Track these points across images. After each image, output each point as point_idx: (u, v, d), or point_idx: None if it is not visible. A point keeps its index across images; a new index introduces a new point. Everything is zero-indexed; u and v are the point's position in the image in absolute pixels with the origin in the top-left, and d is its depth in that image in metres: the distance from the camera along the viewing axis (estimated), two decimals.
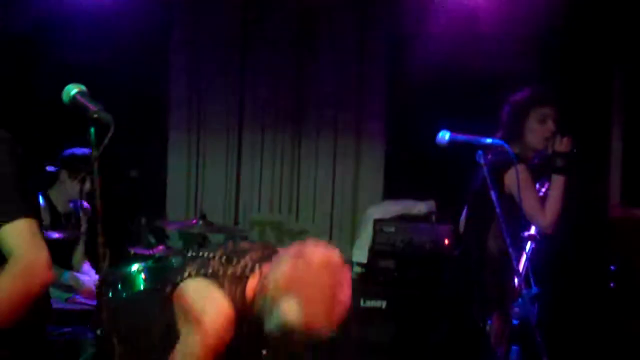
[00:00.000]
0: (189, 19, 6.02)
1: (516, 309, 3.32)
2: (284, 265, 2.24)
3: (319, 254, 2.26)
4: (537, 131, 3.66)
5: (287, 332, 2.19)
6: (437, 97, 5.41)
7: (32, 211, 2.11)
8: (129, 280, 4.20)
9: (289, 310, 2.16)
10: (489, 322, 3.49)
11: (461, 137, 3.05)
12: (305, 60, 5.98)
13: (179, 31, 6.06)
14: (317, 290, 2.18)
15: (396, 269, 5.04)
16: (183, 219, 5.44)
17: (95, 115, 1.99)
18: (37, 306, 2.11)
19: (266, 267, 2.31)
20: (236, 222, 6.00)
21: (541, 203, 3.54)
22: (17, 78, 5.43)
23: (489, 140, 3.04)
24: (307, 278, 2.19)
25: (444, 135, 3.03)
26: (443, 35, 5.17)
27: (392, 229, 5.12)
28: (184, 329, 2.24)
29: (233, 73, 6.04)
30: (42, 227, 2.16)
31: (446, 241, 5.01)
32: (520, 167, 3.45)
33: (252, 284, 2.31)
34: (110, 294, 4.19)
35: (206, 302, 2.24)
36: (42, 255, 2.05)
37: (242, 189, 6.06)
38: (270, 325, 2.21)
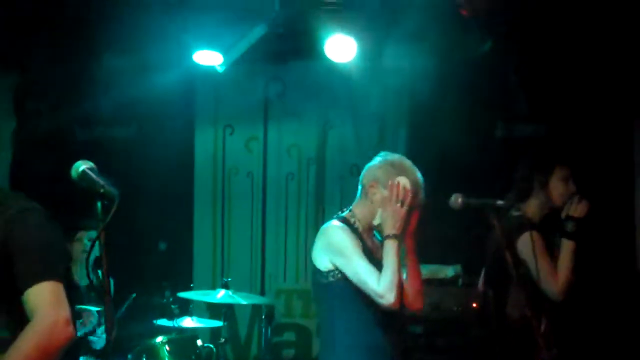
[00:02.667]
0: (212, 96, 6.19)
1: None
2: None
3: None
4: (560, 189, 3.63)
5: None
6: (454, 160, 5.45)
7: (57, 275, 2.19)
8: (153, 352, 4.22)
9: None
10: None
11: (473, 199, 3.04)
12: (327, 131, 6.10)
13: (203, 108, 6.23)
14: None
15: (424, 334, 4.99)
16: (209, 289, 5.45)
17: (102, 190, 2.06)
18: None
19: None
20: (262, 292, 6.00)
21: (554, 270, 3.48)
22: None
23: (500, 202, 3.00)
24: None
25: (456, 199, 3.02)
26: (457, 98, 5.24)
27: None
28: None
29: (256, 146, 6.18)
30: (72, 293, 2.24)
31: (474, 305, 4.96)
32: (535, 234, 3.43)
33: None
34: None
35: None
36: (62, 313, 2.13)
37: (268, 259, 6.10)
38: None
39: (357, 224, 3.08)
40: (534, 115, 5.63)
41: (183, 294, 4.71)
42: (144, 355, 4.27)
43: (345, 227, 3.03)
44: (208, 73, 5.72)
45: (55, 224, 2.29)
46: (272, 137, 6.17)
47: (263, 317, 5.28)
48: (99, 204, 2.05)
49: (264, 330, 5.32)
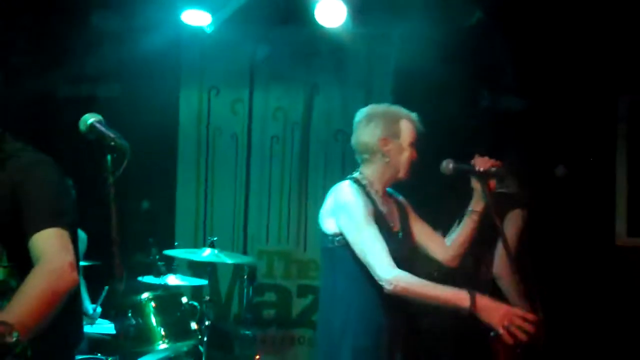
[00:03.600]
0: (198, 56, 6.16)
1: None
2: None
3: None
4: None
5: None
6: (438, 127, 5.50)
7: (64, 222, 2.20)
8: (139, 308, 4.25)
9: None
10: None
11: (465, 165, 3.08)
12: (313, 96, 6.11)
13: (189, 68, 6.21)
14: None
15: None
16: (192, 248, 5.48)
17: (113, 143, 2.07)
18: (67, 329, 2.23)
19: None
20: (245, 253, 6.05)
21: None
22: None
23: (493, 170, 3.05)
24: None
25: (447, 164, 3.07)
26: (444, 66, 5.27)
27: None
28: None
29: (241, 108, 6.17)
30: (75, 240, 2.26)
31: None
32: (524, 213, 3.55)
33: None
34: (120, 322, 4.25)
35: None
36: (68, 258, 2.14)
37: (250, 220, 6.14)
38: None
39: (370, 187, 3.03)
40: (520, 88, 5.69)
41: (169, 252, 4.74)
42: (130, 311, 4.29)
43: (357, 187, 2.96)
44: (195, 33, 5.68)
45: (64, 176, 2.30)
46: (257, 100, 6.16)
47: (245, 277, 5.32)
48: (109, 157, 2.07)
49: (245, 290, 5.37)
